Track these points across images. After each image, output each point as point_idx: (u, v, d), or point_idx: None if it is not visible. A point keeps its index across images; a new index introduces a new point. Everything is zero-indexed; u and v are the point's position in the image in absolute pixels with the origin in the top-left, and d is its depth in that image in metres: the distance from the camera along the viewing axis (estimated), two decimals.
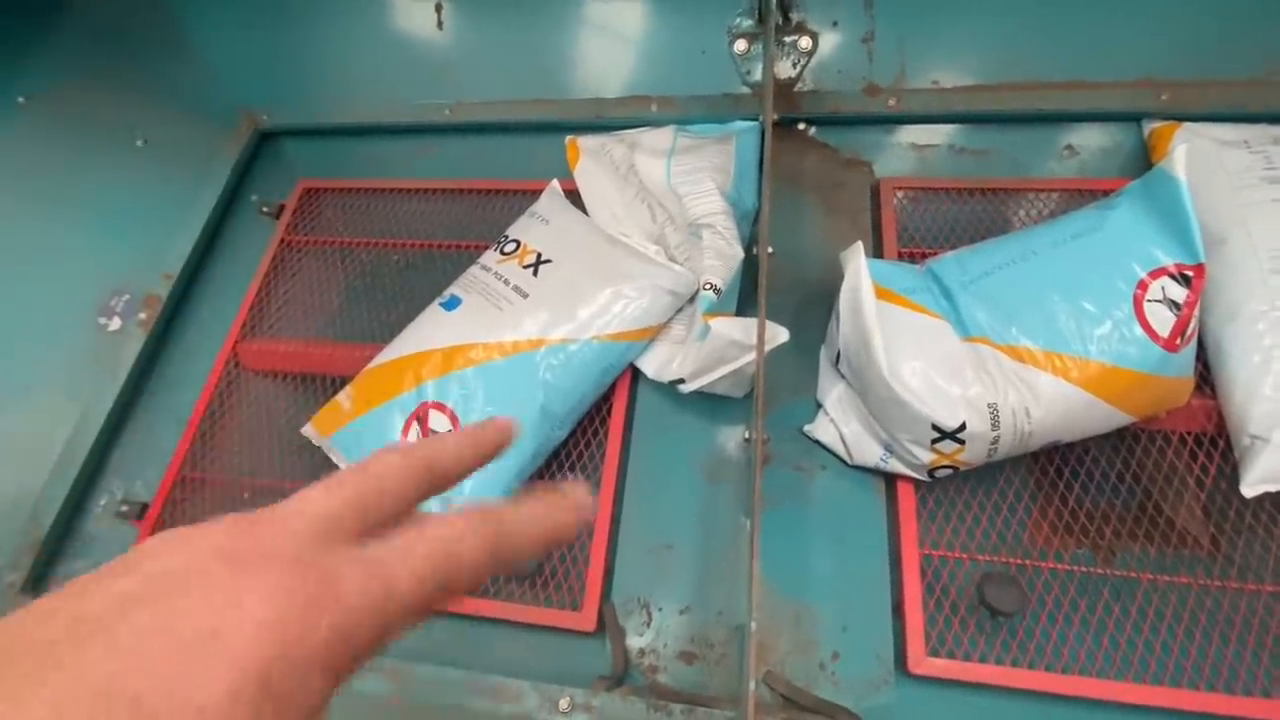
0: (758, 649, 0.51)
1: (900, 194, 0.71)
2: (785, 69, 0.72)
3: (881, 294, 0.54)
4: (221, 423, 0.71)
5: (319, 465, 0.66)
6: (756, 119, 0.72)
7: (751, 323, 0.54)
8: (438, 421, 0.58)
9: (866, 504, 0.57)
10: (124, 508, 0.66)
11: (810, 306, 0.65)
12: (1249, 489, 0.52)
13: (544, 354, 0.59)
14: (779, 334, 0.55)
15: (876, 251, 0.68)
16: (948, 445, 0.51)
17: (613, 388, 0.64)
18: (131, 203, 0.77)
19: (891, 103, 0.71)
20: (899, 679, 0.50)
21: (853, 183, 0.72)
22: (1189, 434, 0.57)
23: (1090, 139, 0.70)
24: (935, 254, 0.61)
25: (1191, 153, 0.51)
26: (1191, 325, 0.50)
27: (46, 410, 0.68)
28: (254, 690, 0.13)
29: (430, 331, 0.62)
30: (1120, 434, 0.56)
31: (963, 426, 0.50)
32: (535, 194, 0.73)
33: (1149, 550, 0.54)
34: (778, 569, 0.54)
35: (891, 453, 0.55)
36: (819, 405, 0.60)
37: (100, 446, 0.69)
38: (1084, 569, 0.53)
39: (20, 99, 0.73)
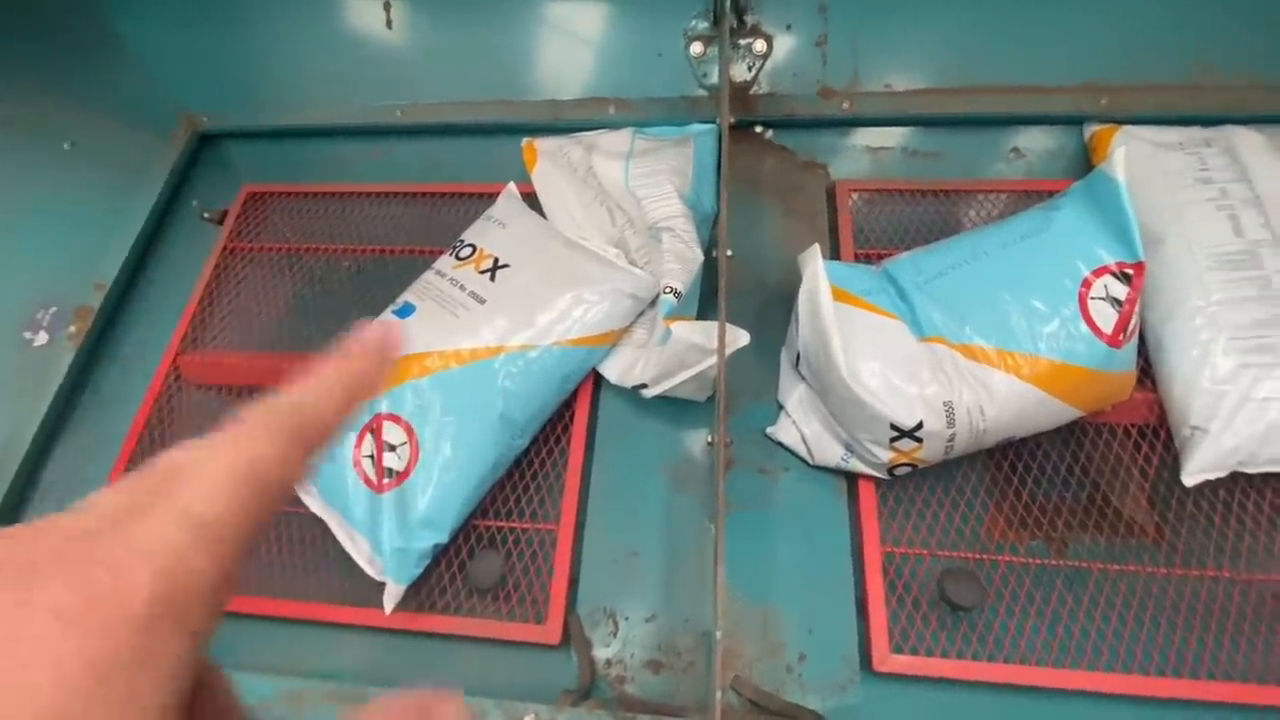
0: (725, 655, 0.51)
1: (855, 196, 0.71)
2: (741, 72, 0.72)
3: (839, 296, 0.54)
4: (162, 440, 0.67)
5: None
6: (714, 122, 0.72)
7: (712, 326, 0.53)
8: (392, 433, 0.56)
9: (829, 504, 0.57)
10: None
11: (770, 309, 0.65)
12: (1189, 478, 0.54)
13: (503, 361, 0.57)
14: (740, 337, 0.54)
15: (834, 253, 0.68)
16: (906, 443, 0.52)
17: (575, 394, 0.63)
18: (58, 210, 0.72)
19: (845, 105, 0.72)
20: (865, 677, 0.51)
21: (810, 185, 0.73)
22: (1133, 426, 0.59)
23: (1036, 142, 0.73)
24: (891, 255, 0.62)
25: (1130, 155, 0.53)
26: (1133, 321, 0.52)
27: None
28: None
29: None
30: (1070, 428, 0.57)
31: (920, 425, 0.51)
32: (491, 197, 0.72)
33: (1099, 540, 0.55)
34: (743, 573, 0.54)
35: (852, 452, 0.56)
36: (780, 407, 0.61)
37: (26, 470, 0.65)
38: (1039, 561, 0.54)
39: None
